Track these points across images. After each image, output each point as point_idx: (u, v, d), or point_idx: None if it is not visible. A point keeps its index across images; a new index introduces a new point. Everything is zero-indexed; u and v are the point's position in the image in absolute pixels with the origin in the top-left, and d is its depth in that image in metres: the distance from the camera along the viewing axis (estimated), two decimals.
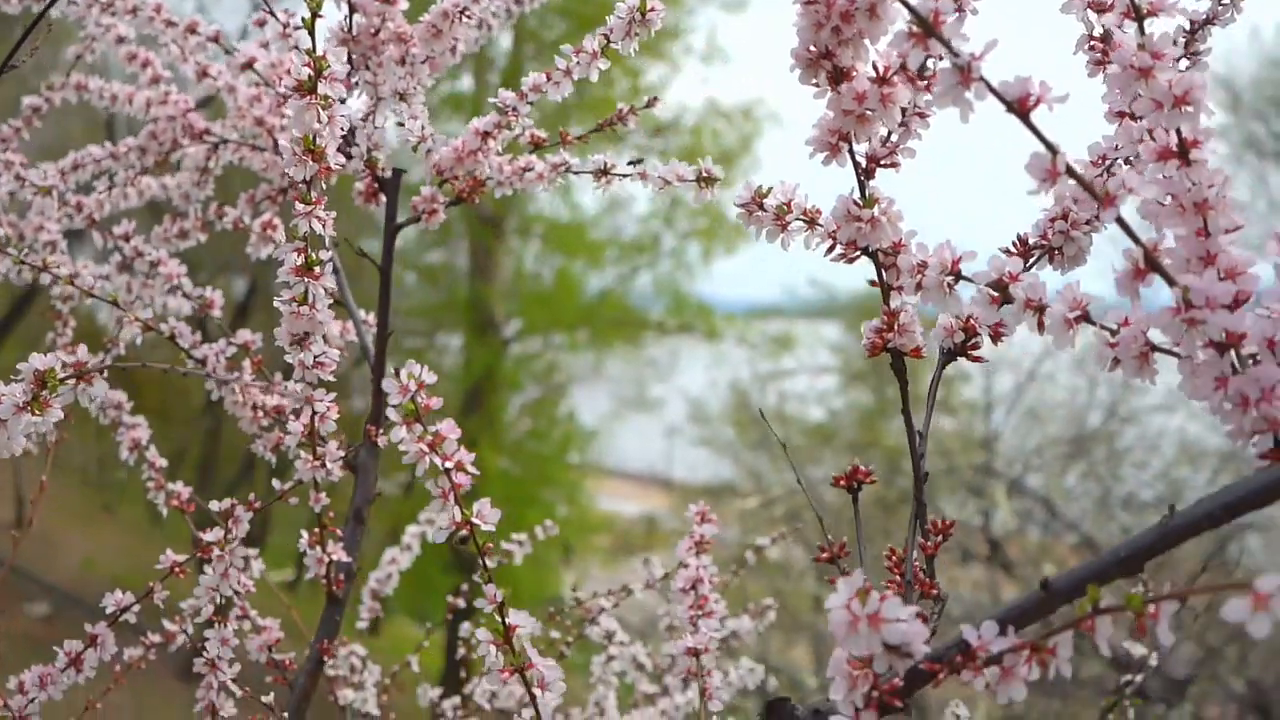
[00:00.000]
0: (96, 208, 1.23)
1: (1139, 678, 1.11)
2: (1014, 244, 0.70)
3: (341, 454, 0.93)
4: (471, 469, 0.64)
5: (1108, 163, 0.71)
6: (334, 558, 0.99)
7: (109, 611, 0.92)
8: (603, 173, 0.97)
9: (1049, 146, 0.52)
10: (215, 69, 1.17)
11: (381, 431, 0.98)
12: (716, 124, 10.57)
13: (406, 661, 1.40)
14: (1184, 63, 0.73)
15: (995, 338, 0.69)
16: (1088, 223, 0.69)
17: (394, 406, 0.62)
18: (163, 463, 1.12)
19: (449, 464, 0.63)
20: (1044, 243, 0.70)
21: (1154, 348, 0.56)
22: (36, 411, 0.69)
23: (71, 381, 0.68)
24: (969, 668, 0.53)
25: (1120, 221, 0.52)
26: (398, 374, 0.62)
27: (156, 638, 1.15)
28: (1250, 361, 0.53)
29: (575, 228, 11.72)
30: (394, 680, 1.36)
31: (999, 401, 7.34)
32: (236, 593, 1.00)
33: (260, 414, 1.04)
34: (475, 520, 0.64)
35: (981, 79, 0.51)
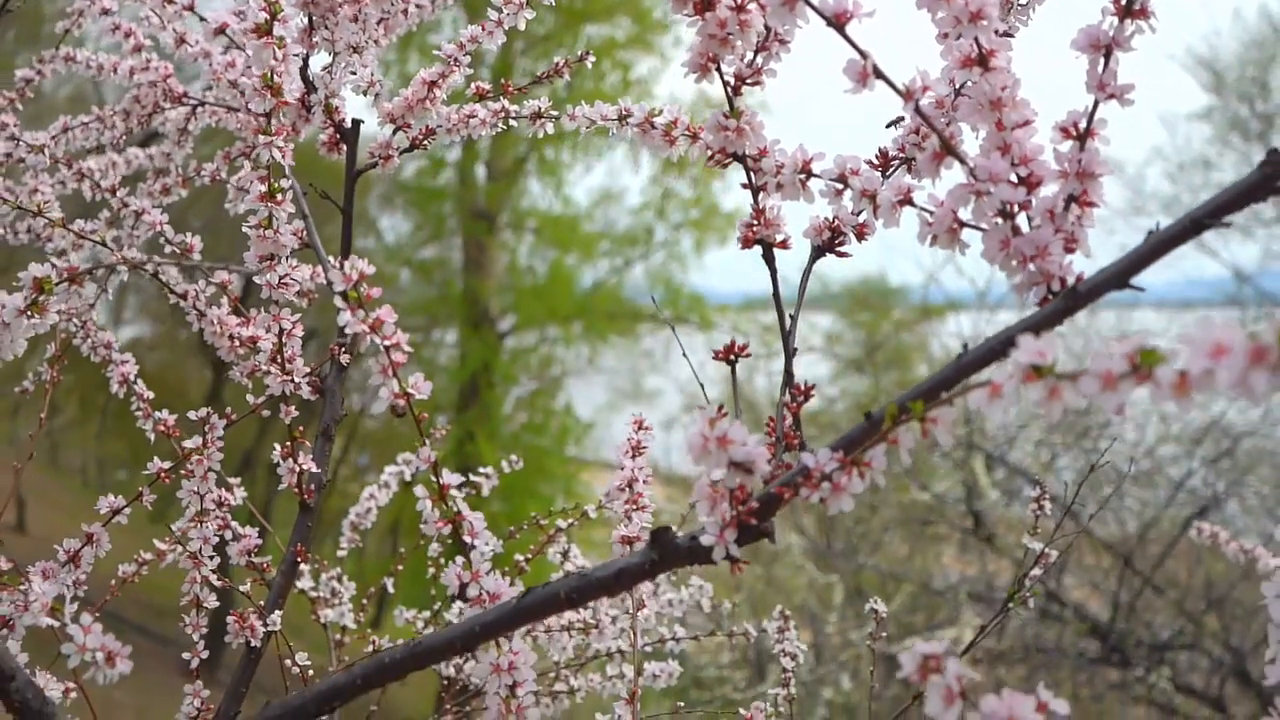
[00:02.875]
0: (94, 172, 1.34)
1: (1037, 571, 1.22)
2: (876, 155, 0.81)
3: (308, 369, 1.04)
4: (406, 348, 0.75)
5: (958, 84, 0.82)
6: (304, 468, 1.10)
7: (103, 512, 1.04)
8: (537, 115, 1.08)
9: (861, 53, 0.63)
10: (192, 36, 1.28)
11: (346, 353, 1.10)
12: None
13: (382, 585, 1.53)
14: None
15: (860, 236, 0.80)
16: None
17: (339, 293, 0.73)
18: (150, 394, 1.23)
19: (388, 343, 0.74)
20: (901, 155, 0.81)
21: (962, 224, 0.67)
22: (35, 313, 0.80)
23: (65, 285, 0.80)
24: (808, 486, 0.64)
25: (920, 113, 0.63)
26: (341, 265, 0.73)
27: (149, 555, 1.26)
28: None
29: (568, 221, 11.83)
30: (369, 603, 1.48)
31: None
32: (217, 503, 1.12)
33: (236, 344, 1.15)
34: (411, 390, 0.76)
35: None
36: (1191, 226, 0.58)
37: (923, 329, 10.74)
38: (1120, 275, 0.59)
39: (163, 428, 1.19)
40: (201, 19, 1.24)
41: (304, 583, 1.43)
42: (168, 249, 1.23)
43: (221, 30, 1.23)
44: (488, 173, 11.67)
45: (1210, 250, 8.86)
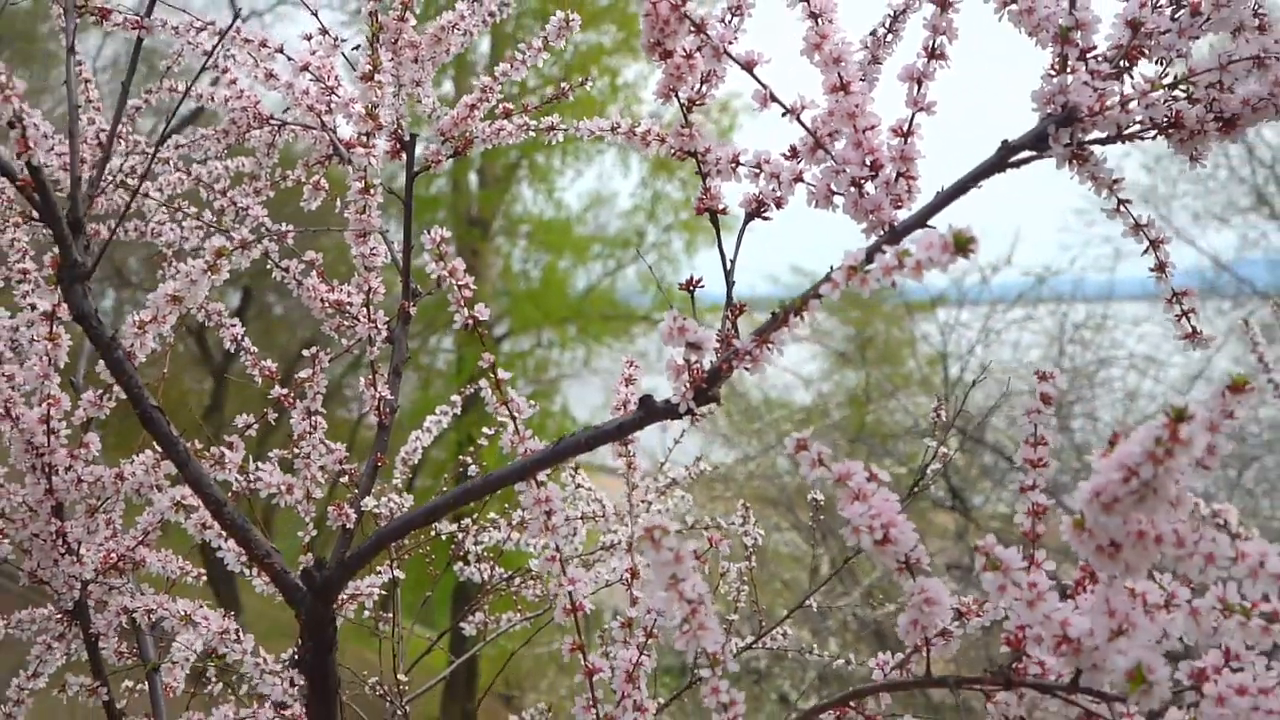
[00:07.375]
0: (208, 175, 1.71)
1: (935, 467, 1.59)
2: (789, 148, 1.19)
3: (387, 319, 1.41)
4: (471, 285, 1.12)
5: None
6: (383, 395, 1.47)
7: (239, 426, 1.40)
8: (551, 128, 1.46)
9: (762, 85, 1.00)
10: (277, 71, 1.65)
11: (412, 305, 1.47)
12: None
13: None
14: (890, 35, 1.21)
15: (778, 205, 1.17)
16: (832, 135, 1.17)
17: (426, 250, 1.11)
18: (255, 350, 1.61)
19: (460, 283, 1.12)
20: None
21: (832, 192, 1.04)
22: (213, 273, 1.17)
23: (239, 250, 1.17)
24: (737, 359, 1.01)
25: (800, 123, 1.01)
26: (428, 230, 1.10)
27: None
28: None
29: (560, 225, 12.19)
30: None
31: (962, 354, 7.87)
32: (313, 427, 1.49)
33: (324, 304, 1.53)
34: (476, 314, 1.13)
35: (726, 52, 0.99)
36: (959, 188, 0.95)
37: (910, 325, 11.14)
38: (920, 220, 0.97)
39: (268, 373, 1.56)
40: (289, 58, 1.61)
41: (368, 502, 1.80)
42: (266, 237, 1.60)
43: (305, 67, 1.60)
44: (480, 180, 12.03)
45: (1188, 239, 9.26)
